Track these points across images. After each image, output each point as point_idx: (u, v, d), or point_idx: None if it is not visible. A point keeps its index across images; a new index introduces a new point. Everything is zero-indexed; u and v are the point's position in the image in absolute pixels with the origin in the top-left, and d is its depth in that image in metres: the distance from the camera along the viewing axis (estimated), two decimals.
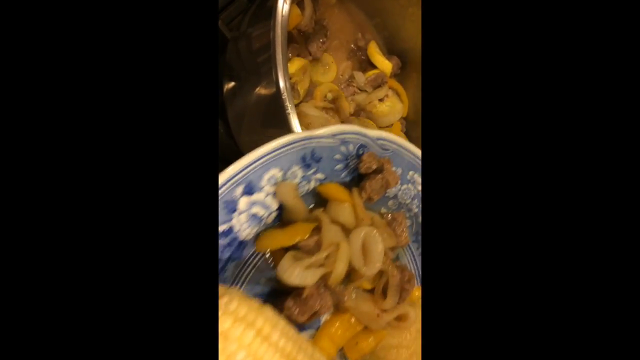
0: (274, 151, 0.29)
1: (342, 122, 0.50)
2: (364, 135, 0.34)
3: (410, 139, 0.56)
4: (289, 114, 0.35)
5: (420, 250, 0.43)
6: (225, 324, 0.23)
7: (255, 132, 0.43)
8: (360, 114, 0.54)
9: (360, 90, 0.54)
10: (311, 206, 0.35)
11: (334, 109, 0.51)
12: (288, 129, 0.35)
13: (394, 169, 0.37)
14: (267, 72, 0.35)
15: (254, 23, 0.43)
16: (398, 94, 0.58)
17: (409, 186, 0.39)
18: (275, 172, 0.30)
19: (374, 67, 0.56)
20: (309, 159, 0.32)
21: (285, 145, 0.30)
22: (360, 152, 0.35)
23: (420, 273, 0.43)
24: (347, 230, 0.35)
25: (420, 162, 0.39)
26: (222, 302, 0.24)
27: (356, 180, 0.36)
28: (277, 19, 0.34)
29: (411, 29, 0.55)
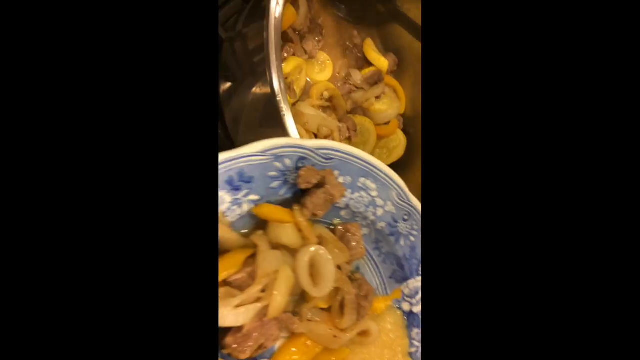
0: None
1: (339, 120, 0.50)
2: (301, 147, 0.31)
3: (408, 135, 0.57)
4: (284, 115, 0.34)
5: (382, 257, 0.40)
6: None
7: (253, 132, 0.43)
8: (358, 111, 0.54)
9: (357, 88, 0.54)
10: (246, 230, 0.31)
11: (331, 108, 0.51)
12: (284, 130, 0.35)
13: (341, 178, 0.34)
14: (262, 72, 0.35)
15: (248, 23, 0.42)
16: (395, 91, 0.56)
17: (362, 194, 0.36)
18: None
19: (370, 64, 0.55)
20: (237, 181, 0.29)
21: None
22: (300, 165, 0.32)
23: (385, 281, 0.41)
24: (293, 252, 0.32)
25: (371, 167, 0.35)
26: None
27: (299, 195, 0.33)
28: (270, 20, 0.34)
29: (407, 25, 0.54)
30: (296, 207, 0.32)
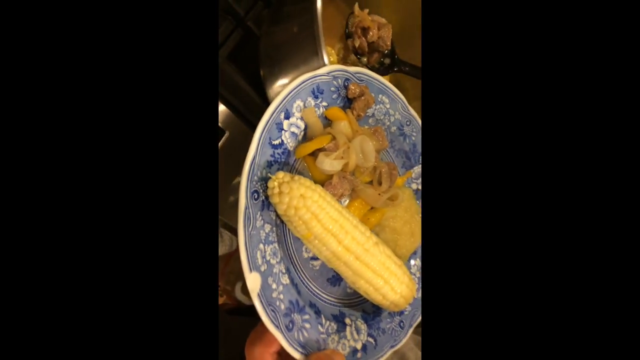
0: (296, 87, 0.43)
1: None
2: (346, 71, 0.49)
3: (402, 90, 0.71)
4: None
5: (395, 152, 0.60)
6: (301, 190, 0.38)
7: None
8: None
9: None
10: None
11: None
12: None
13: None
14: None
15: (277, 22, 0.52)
16: None
17: (381, 106, 0.56)
18: (299, 102, 0.44)
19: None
20: (316, 92, 0.46)
21: (302, 83, 0.44)
22: (346, 84, 0.50)
23: (399, 170, 0.60)
24: (349, 140, 0.50)
25: (385, 87, 0.55)
26: (295, 178, 0.38)
27: (346, 105, 0.52)
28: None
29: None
30: (348, 110, 0.50)
